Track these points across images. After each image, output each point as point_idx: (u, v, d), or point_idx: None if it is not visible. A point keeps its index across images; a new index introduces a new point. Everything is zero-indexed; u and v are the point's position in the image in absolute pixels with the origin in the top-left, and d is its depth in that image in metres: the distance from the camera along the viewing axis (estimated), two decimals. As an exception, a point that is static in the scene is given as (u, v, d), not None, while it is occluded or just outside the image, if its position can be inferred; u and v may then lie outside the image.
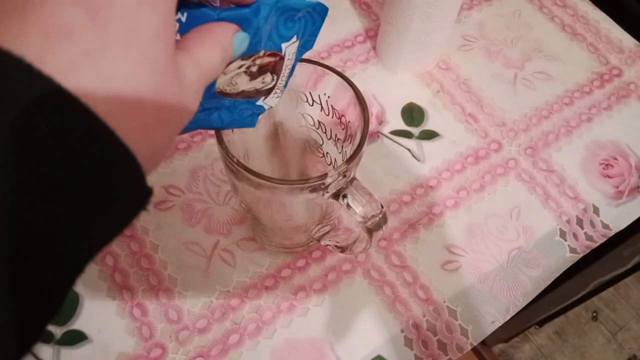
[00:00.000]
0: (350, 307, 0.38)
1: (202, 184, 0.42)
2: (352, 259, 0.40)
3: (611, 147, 0.47)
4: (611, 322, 1.17)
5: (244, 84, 0.23)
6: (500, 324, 0.39)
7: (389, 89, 0.49)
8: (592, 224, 0.43)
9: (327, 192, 0.30)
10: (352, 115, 0.32)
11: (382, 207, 0.30)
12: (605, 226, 0.43)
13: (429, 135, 0.46)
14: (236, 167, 0.28)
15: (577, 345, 1.14)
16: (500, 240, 0.42)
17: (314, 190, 0.29)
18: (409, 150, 0.45)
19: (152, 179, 0.42)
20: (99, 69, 0.13)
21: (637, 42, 0.54)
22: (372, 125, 0.46)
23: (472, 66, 0.51)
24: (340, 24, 0.52)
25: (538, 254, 0.41)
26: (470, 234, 0.42)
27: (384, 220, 0.30)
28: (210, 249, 0.39)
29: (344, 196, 0.30)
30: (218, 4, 0.19)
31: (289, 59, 0.24)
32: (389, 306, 0.38)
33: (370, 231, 0.30)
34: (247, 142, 0.36)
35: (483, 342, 1.01)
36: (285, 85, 0.26)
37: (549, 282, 0.41)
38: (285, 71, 0.24)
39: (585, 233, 0.43)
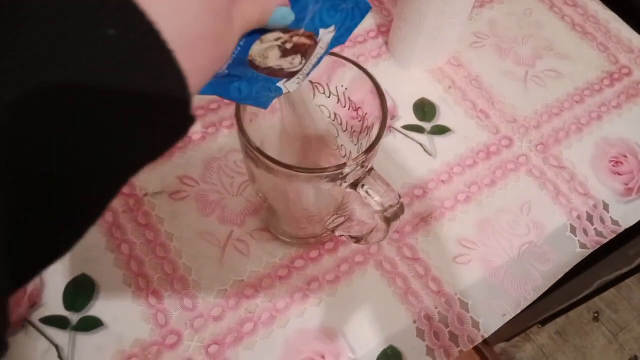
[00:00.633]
0: (363, 298, 0.38)
1: (216, 175, 0.42)
2: (365, 251, 0.40)
3: (621, 145, 0.48)
4: (613, 323, 1.17)
5: (274, 60, 0.23)
6: (511, 317, 0.39)
7: (401, 84, 0.49)
8: (602, 220, 0.43)
9: (345, 182, 0.30)
10: (370, 106, 0.33)
11: (399, 197, 0.30)
12: (615, 223, 0.43)
13: (441, 130, 0.47)
14: (256, 155, 0.28)
15: (578, 345, 1.14)
16: (511, 235, 0.42)
17: (332, 179, 0.30)
18: (421, 145, 0.46)
19: (166, 170, 0.43)
20: (172, 4, 0.14)
21: (647, 42, 0.54)
22: (385, 120, 0.47)
23: (484, 63, 0.51)
24: (353, 19, 0.53)
25: (548, 249, 0.42)
26: (482, 228, 0.42)
27: (401, 210, 0.30)
28: (224, 239, 0.40)
29: (362, 186, 0.30)
30: None
31: (321, 47, 0.24)
32: (401, 298, 0.39)
33: (388, 221, 0.30)
34: (263, 134, 0.36)
35: (485, 342, 1.02)
36: (308, 74, 0.27)
37: (559, 277, 0.41)
38: (313, 58, 0.25)
39: (595, 229, 0.43)
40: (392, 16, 0.53)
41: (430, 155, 0.45)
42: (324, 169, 0.29)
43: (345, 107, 0.35)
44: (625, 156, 0.47)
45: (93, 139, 0.14)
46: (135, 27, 0.14)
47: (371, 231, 0.34)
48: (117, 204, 0.40)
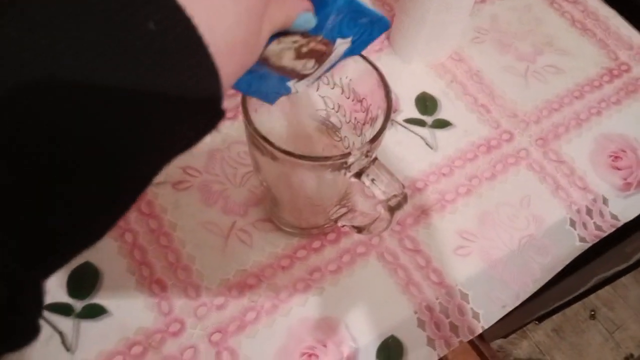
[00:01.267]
0: (365, 288, 0.39)
1: (219, 166, 0.43)
2: (367, 242, 0.40)
3: (620, 141, 0.48)
4: (609, 321, 1.18)
5: (288, 60, 0.24)
6: (510, 309, 0.40)
7: (402, 78, 0.49)
8: (601, 214, 0.44)
9: (349, 172, 0.30)
10: (374, 97, 0.33)
11: (403, 187, 0.31)
12: (614, 217, 0.44)
13: (442, 124, 0.47)
14: (262, 143, 0.29)
15: (574, 343, 1.15)
16: (510, 228, 0.42)
17: (336, 168, 0.30)
18: (422, 138, 0.46)
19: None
20: (209, 15, 0.15)
21: (646, 39, 0.55)
22: (386, 113, 0.47)
23: (484, 58, 0.52)
24: (355, 14, 0.53)
25: (548, 242, 0.42)
26: (482, 221, 0.42)
27: (404, 200, 0.31)
28: (227, 228, 0.40)
29: (367, 175, 0.30)
30: None
31: (335, 56, 0.25)
32: (402, 288, 0.39)
33: (392, 210, 0.30)
34: (266, 124, 0.36)
35: (481, 338, 1.02)
36: (318, 78, 0.27)
37: (558, 270, 0.41)
38: (326, 65, 0.25)
39: (594, 223, 0.43)
40: (394, 10, 0.54)
41: (431, 148, 0.46)
42: (329, 157, 0.29)
43: (349, 98, 0.36)
44: (624, 151, 0.47)
45: (131, 131, 0.14)
46: (176, 25, 0.14)
47: (374, 221, 0.34)
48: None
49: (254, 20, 0.17)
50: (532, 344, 1.14)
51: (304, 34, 0.22)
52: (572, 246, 0.42)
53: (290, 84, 0.27)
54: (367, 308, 0.38)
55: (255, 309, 0.37)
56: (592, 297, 1.17)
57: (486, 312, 0.39)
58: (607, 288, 1.19)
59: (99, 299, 0.36)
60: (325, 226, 0.40)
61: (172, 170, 0.42)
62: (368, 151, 0.30)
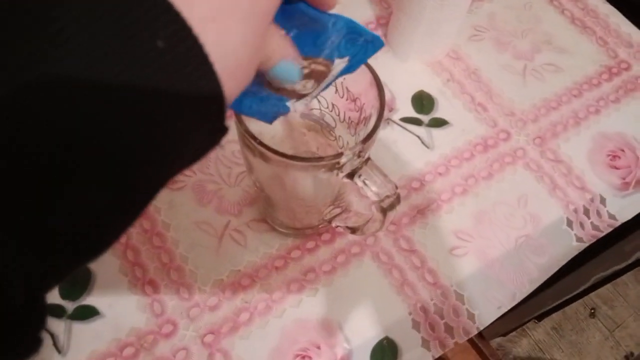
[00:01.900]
0: (359, 289, 0.38)
1: (213, 166, 0.42)
2: (361, 242, 0.40)
3: (618, 140, 0.48)
4: (609, 320, 1.18)
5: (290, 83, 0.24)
6: (506, 310, 0.39)
7: (399, 76, 0.49)
8: (599, 214, 0.43)
9: (342, 172, 0.30)
10: (368, 97, 0.33)
11: (396, 187, 0.30)
12: (612, 216, 0.44)
13: (439, 123, 0.47)
14: (253, 144, 0.28)
15: (574, 341, 1.15)
16: (507, 228, 0.42)
17: (328, 169, 0.30)
18: (418, 137, 0.46)
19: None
20: (219, 34, 0.15)
21: (645, 37, 0.54)
22: (383, 112, 0.47)
23: (482, 56, 0.51)
24: (352, 11, 0.53)
25: (545, 241, 0.42)
26: (478, 220, 0.42)
27: (397, 200, 0.30)
28: (221, 228, 0.40)
29: (359, 176, 0.30)
30: None
31: (332, 74, 0.26)
32: (397, 289, 0.39)
33: (384, 211, 0.30)
34: (258, 124, 0.36)
35: (481, 336, 1.02)
36: (315, 96, 0.27)
37: (555, 270, 0.41)
38: (323, 84, 0.26)
39: (591, 222, 0.43)
40: (391, 8, 0.53)
41: (427, 147, 0.45)
42: (321, 158, 0.29)
43: (343, 97, 0.35)
44: (623, 150, 0.47)
45: (139, 146, 0.14)
46: (183, 43, 0.14)
47: (367, 222, 0.34)
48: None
49: (258, 41, 0.18)
50: (532, 342, 1.14)
51: (305, 57, 0.23)
52: (569, 246, 0.42)
53: (289, 103, 0.27)
54: (362, 309, 0.38)
55: (249, 309, 0.37)
56: (592, 295, 1.17)
57: (481, 313, 0.39)
58: (607, 286, 1.19)
59: (91, 301, 0.36)
60: (320, 226, 0.39)
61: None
62: (360, 151, 0.29)
